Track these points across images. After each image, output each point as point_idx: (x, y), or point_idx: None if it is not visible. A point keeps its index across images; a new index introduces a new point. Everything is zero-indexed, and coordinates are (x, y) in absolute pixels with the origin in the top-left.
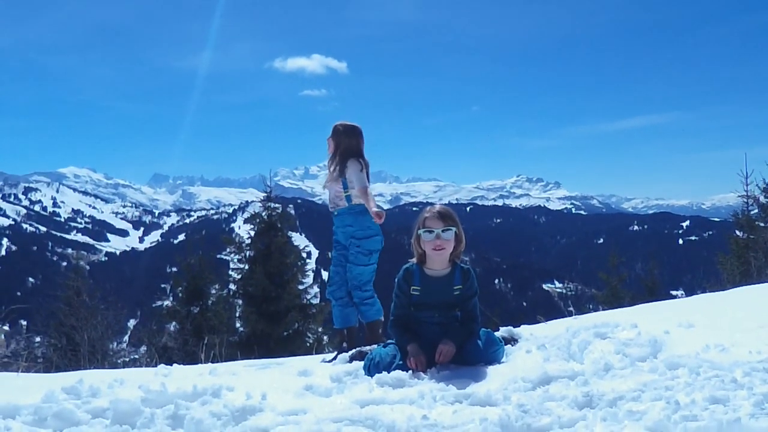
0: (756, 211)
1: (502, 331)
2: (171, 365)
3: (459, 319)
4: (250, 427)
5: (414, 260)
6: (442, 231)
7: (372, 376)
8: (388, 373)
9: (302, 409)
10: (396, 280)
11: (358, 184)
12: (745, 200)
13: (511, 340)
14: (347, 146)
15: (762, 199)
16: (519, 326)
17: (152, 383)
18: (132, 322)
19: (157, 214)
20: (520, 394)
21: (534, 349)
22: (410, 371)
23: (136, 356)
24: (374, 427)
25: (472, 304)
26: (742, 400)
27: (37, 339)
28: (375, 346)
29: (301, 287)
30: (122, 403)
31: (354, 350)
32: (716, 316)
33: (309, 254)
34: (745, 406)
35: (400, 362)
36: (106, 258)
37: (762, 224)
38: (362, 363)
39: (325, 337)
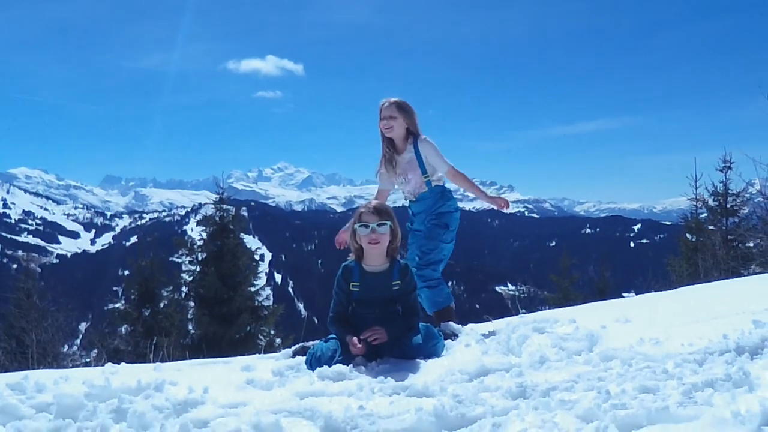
0: (705, 214)
1: (443, 326)
2: (119, 364)
3: (400, 314)
4: (191, 419)
5: (352, 257)
6: (378, 225)
7: (313, 370)
8: (329, 367)
9: (242, 402)
10: (336, 277)
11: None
12: (695, 203)
13: (452, 335)
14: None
15: (710, 202)
16: (466, 325)
17: (96, 379)
18: (83, 325)
19: (109, 216)
20: (456, 385)
21: (473, 343)
22: (351, 365)
23: (88, 359)
24: (312, 418)
25: (412, 299)
26: (672, 390)
27: None
28: (317, 341)
29: (253, 289)
30: (66, 397)
31: (297, 345)
32: (654, 313)
33: (262, 257)
34: (674, 395)
35: (341, 357)
36: (57, 260)
37: (711, 227)
38: (304, 358)
39: (277, 339)
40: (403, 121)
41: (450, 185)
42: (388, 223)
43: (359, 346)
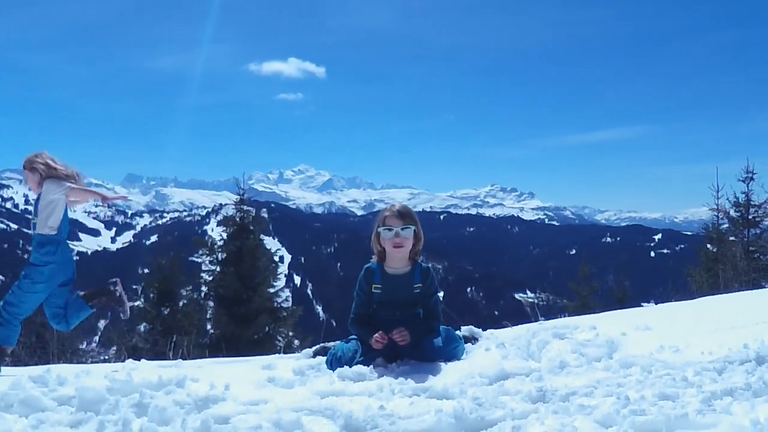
0: (726, 225)
1: (464, 330)
2: (139, 360)
3: (420, 316)
4: (212, 416)
5: (375, 259)
6: (402, 229)
7: (334, 370)
8: (350, 367)
9: (263, 399)
10: (357, 278)
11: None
12: (716, 214)
13: (472, 339)
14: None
15: (732, 213)
16: (485, 330)
17: (118, 374)
18: (102, 323)
19: (129, 215)
20: (476, 388)
21: (493, 347)
22: (371, 366)
23: (107, 357)
24: (332, 417)
25: (433, 302)
26: (691, 397)
27: None
28: (338, 342)
29: (272, 290)
30: (88, 391)
31: (318, 345)
32: (674, 321)
33: (281, 258)
34: (693, 402)
35: (362, 358)
36: (78, 257)
37: (732, 238)
38: (325, 358)
39: (296, 341)
40: (25, 176)
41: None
42: (412, 227)
43: (380, 341)
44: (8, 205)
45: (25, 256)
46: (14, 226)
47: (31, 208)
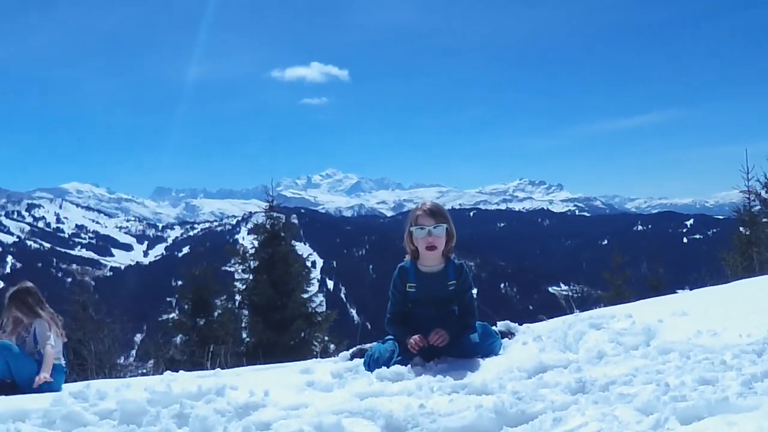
0: (758, 207)
1: (500, 325)
2: (177, 372)
3: (456, 313)
4: (253, 422)
5: (408, 258)
6: (434, 227)
7: (372, 372)
8: (388, 368)
9: (303, 404)
10: (392, 278)
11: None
12: (747, 196)
13: (508, 334)
14: None
15: (763, 194)
16: (521, 325)
17: (158, 386)
18: (138, 337)
19: (160, 228)
20: (515, 382)
21: (530, 341)
22: (409, 365)
23: (144, 370)
24: (373, 418)
25: (468, 298)
26: (731, 381)
27: None
28: (375, 343)
29: (305, 296)
30: (129, 403)
31: (355, 348)
32: (710, 305)
33: (314, 263)
34: (733, 386)
35: (399, 357)
36: (111, 273)
37: (765, 219)
38: (362, 360)
39: (331, 345)
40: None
41: None
42: (445, 224)
43: (418, 344)
44: (40, 224)
45: (59, 275)
46: (47, 245)
47: (63, 227)
